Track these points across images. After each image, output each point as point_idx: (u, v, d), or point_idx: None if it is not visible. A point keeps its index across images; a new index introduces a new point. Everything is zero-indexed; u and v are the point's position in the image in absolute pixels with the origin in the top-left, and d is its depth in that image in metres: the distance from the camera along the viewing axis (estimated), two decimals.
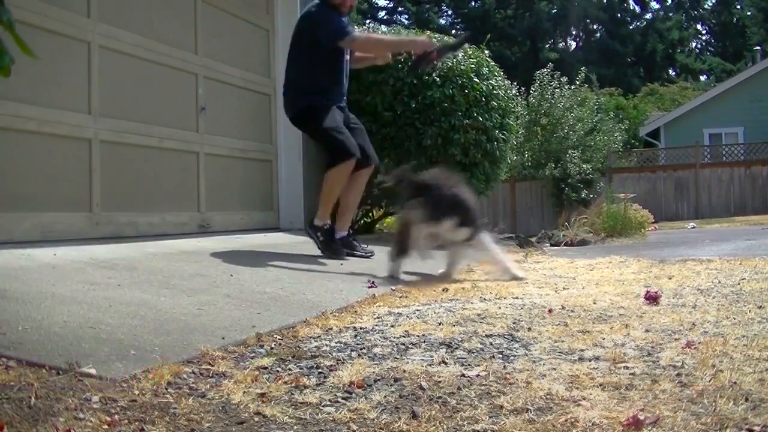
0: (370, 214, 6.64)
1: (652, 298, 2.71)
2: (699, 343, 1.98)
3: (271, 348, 2.01)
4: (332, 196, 4.32)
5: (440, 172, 3.85)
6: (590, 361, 1.85)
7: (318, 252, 4.25)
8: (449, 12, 42.74)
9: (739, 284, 3.19)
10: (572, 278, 3.71)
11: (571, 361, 1.85)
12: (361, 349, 2.01)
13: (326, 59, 4.32)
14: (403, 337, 2.17)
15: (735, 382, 1.58)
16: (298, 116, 4.43)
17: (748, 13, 39.77)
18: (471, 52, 6.26)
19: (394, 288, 3.23)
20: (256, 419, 1.42)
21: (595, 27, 43.33)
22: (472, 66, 6.01)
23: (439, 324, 2.35)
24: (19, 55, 1.26)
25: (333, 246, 4.27)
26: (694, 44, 44.00)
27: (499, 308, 2.66)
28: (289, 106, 4.45)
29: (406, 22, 38.62)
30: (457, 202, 3.56)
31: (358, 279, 3.40)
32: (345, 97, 4.53)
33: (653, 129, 23.89)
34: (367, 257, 4.33)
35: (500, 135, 6.23)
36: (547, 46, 41.77)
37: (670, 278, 3.51)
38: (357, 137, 4.33)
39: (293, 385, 1.64)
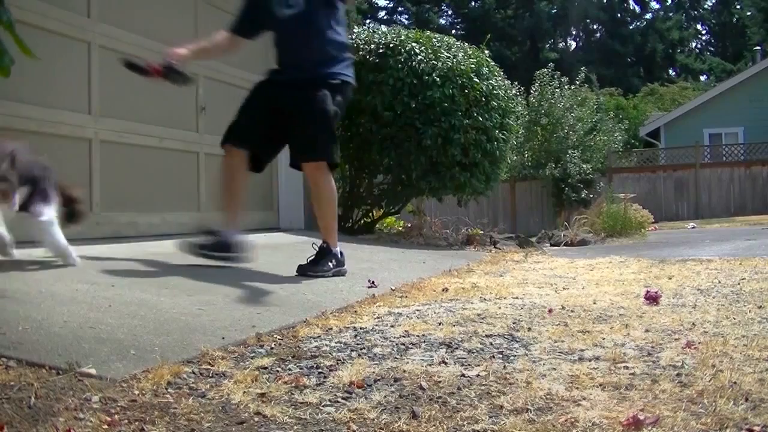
0: (370, 214, 6.65)
1: (652, 298, 2.71)
2: (699, 343, 1.99)
3: (271, 348, 2.00)
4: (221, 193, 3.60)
5: None
6: (590, 361, 1.85)
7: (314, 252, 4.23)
8: (449, 12, 42.76)
9: (739, 284, 3.19)
10: (572, 278, 3.71)
11: (571, 361, 1.85)
12: (361, 349, 2.00)
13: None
14: (403, 337, 2.17)
15: (735, 382, 1.58)
16: None
17: (748, 13, 39.75)
18: (471, 52, 6.26)
19: (393, 288, 3.24)
20: (256, 419, 1.42)
21: (595, 27, 43.34)
22: (472, 66, 6.02)
23: (439, 324, 2.35)
24: (19, 55, 1.26)
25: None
26: (694, 44, 44.01)
27: (499, 308, 2.66)
28: None
29: (406, 22, 38.64)
30: None
31: (358, 279, 3.40)
32: (300, 68, 3.49)
33: (653, 129, 23.88)
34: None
35: (500, 135, 6.23)
36: (547, 46, 41.76)
37: (670, 278, 3.51)
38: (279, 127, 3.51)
39: (293, 385, 1.64)
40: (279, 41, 3.61)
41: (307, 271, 3.37)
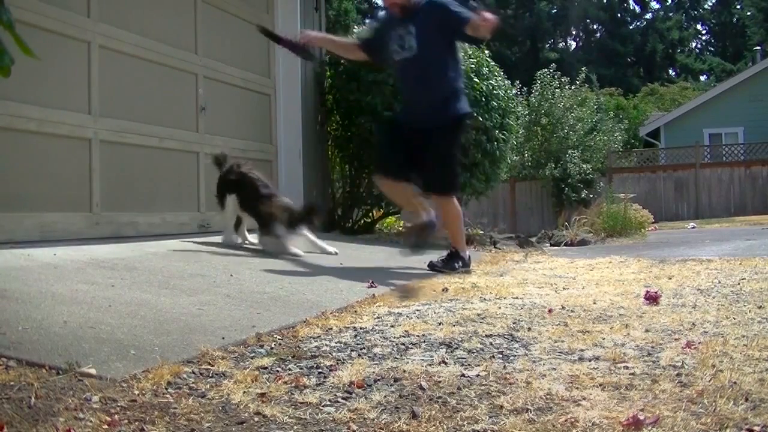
0: (370, 214, 6.64)
1: (652, 298, 2.71)
2: (699, 343, 1.98)
3: (271, 348, 2.00)
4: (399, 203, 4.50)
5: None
6: (590, 361, 1.85)
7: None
8: None
9: (739, 284, 3.19)
10: (572, 278, 3.71)
11: (571, 361, 1.85)
12: (361, 349, 2.00)
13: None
14: (403, 337, 2.17)
15: (735, 382, 1.58)
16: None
17: (748, 13, 39.72)
18: (471, 52, 6.26)
19: (393, 288, 3.24)
20: (256, 419, 1.42)
21: (595, 27, 43.31)
22: (472, 66, 6.01)
23: (439, 324, 2.35)
24: (19, 55, 1.26)
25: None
26: (694, 44, 44.00)
27: (499, 308, 2.66)
28: None
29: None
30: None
31: (358, 279, 3.40)
32: (424, 112, 4.01)
33: (653, 129, 23.87)
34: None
35: (500, 135, 6.23)
36: (547, 46, 41.75)
37: (670, 278, 3.51)
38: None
39: (293, 385, 1.64)
40: (402, 80, 4.18)
41: (436, 266, 3.98)
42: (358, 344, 2.07)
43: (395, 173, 4.06)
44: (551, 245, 7.59)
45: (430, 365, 1.82)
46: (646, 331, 2.21)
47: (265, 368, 1.79)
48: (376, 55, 4.21)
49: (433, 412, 1.45)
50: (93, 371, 1.60)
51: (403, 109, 4.24)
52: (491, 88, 6.13)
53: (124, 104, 4.30)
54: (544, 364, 1.83)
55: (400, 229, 6.94)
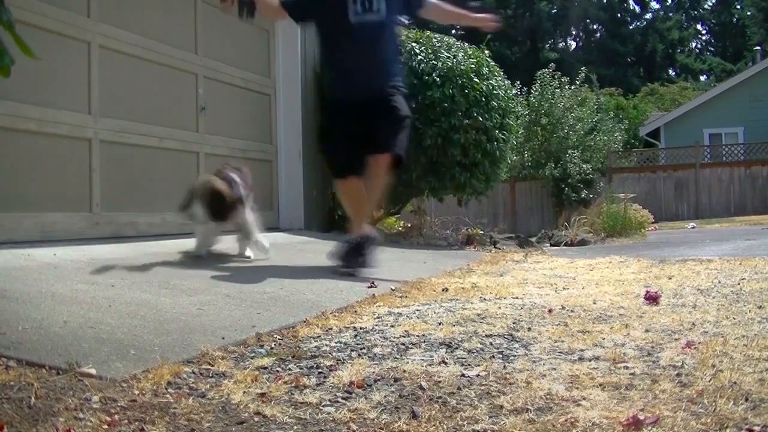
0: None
1: (652, 298, 2.71)
2: (699, 343, 1.98)
3: (271, 348, 2.01)
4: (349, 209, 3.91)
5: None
6: (590, 361, 1.85)
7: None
8: None
9: (739, 284, 3.19)
10: (572, 278, 3.71)
11: (571, 361, 1.85)
12: (361, 349, 2.00)
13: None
14: (403, 337, 2.17)
15: (735, 382, 1.58)
16: None
17: (748, 13, 39.73)
18: (471, 52, 6.27)
19: (393, 288, 3.24)
20: (256, 419, 1.42)
21: (595, 27, 43.32)
22: (472, 66, 6.02)
23: (439, 324, 2.35)
24: (19, 55, 1.26)
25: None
26: (694, 44, 44.01)
27: (499, 308, 2.66)
28: None
29: (406, 21, 38.53)
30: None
31: (358, 279, 3.40)
32: (375, 78, 3.73)
33: (653, 129, 23.88)
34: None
35: (500, 135, 6.23)
36: (547, 46, 41.75)
37: (670, 278, 3.51)
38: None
39: (293, 385, 1.64)
40: (351, 43, 3.69)
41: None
42: (358, 344, 2.07)
43: (353, 169, 3.72)
44: (551, 245, 7.59)
45: (430, 365, 1.82)
46: (646, 331, 2.21)
47: (265, 368, 1.79)
48: (305, 14, 3.99)
49: (433, 412, 1.45)
50: (93, 371, 1.60)
51: (346, 80, 3.79)
52: (491, 88, 6.13)
53: (124, 104, 4.30)
54: (544, 364, 1.83)
55: (400, 229, 6.94)
